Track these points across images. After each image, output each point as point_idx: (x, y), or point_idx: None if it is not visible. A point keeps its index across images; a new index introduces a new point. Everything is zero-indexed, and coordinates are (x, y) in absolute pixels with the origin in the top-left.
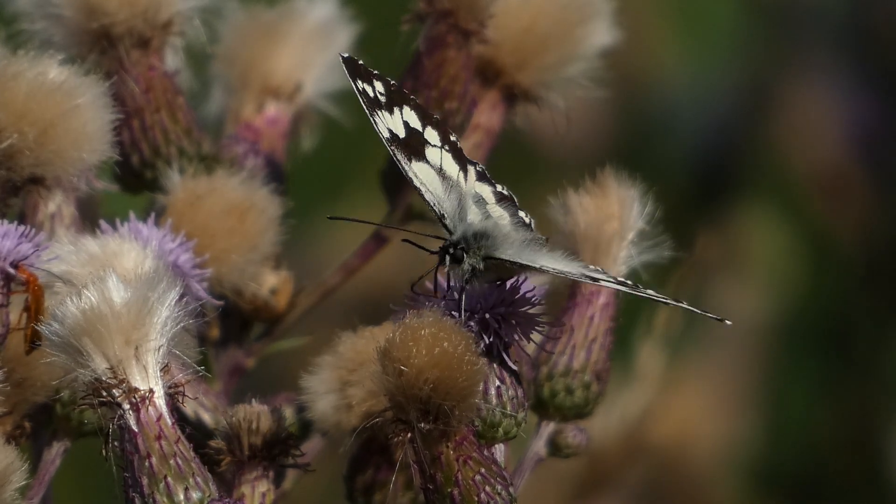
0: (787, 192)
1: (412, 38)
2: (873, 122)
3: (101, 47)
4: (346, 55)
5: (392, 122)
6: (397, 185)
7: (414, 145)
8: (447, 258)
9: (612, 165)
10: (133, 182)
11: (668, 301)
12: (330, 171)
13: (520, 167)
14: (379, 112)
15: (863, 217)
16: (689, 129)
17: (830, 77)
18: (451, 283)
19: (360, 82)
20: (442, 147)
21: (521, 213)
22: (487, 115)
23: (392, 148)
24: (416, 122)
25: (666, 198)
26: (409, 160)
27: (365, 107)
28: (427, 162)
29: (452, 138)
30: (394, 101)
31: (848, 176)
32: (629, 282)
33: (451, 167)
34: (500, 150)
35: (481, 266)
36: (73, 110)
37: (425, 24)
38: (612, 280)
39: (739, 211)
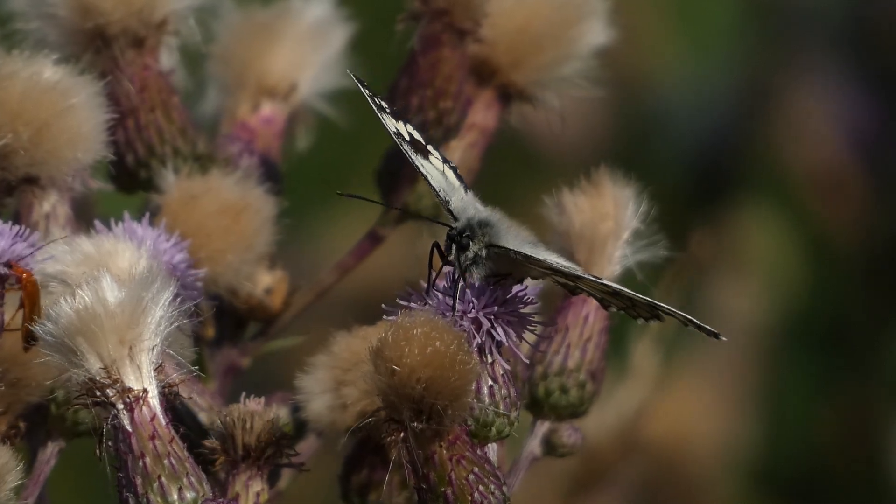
0: (785, 192)
1: (407, 37)
2: (872, 122)
3: (95, 47)
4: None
5: (399, 127)
6: (393, 184)
7: (420, 147)
8: (453, 247)
9: (608, 165)
10: (128, 182)
11: (670, 310)
12: (325, 170)
13: (515, 167)
14: (386, 115)
15: (861, 217)
16: (687, 128)
17: (829, 77)
18: (445, 283)
19: (367, 91)
20: (445, 163)
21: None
22: (482, 114)
23: (399, 140)
24: (419, 137)
25: (664, 197)
26: (416, 154)
27: (374, 107)
28: (431, 163)
29: (452, 164)
30: (398, 116)
31: (846, 176)
32: (627, 289)
33: (454, 179)
34: (495, 149)
35: (483, 254)
36: (68, 110)
37: (420, 24)
38: (612, 287)
39: (737, 211)
